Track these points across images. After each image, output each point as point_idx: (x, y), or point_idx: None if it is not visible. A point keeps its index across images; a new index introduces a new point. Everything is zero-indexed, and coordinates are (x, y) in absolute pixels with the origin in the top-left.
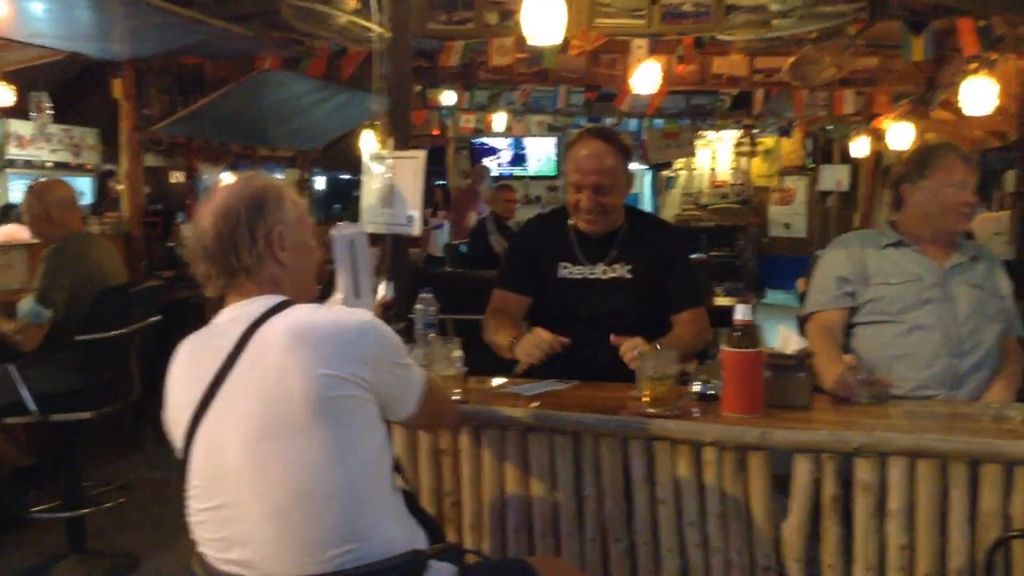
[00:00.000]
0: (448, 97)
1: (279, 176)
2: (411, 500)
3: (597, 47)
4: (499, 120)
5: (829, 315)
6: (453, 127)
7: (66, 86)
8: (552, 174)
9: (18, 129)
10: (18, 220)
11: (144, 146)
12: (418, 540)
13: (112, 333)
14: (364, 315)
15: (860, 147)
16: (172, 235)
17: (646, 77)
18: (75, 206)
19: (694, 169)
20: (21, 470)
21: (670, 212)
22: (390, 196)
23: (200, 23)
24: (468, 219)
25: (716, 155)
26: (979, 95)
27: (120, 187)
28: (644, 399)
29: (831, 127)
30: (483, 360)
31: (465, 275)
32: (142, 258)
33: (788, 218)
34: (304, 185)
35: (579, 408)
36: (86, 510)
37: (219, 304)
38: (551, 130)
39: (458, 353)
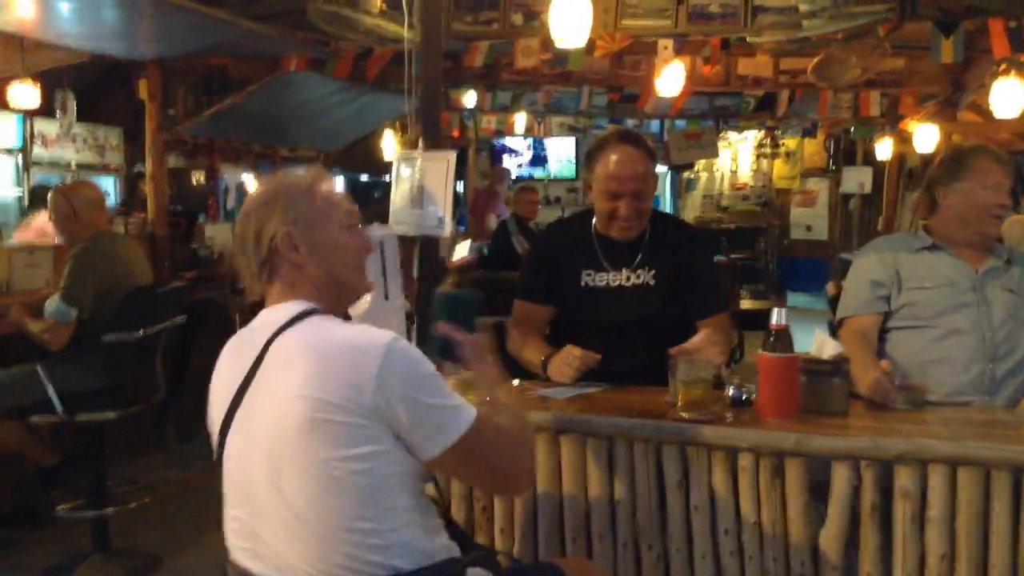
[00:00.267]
0: (470, 98)
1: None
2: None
3: (622, 48)
4: (520, 121)
5: (862, 320)
6: (474, 128)
7: (91, 86)
8: (572, 176)
9: (43, 129)
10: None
11: (167, 146)
12: (453, 550)
13: (139, 334)
14: (382, 337)
15: (884, 149)
16: (195, 236)
17: (671, 78)
18: (102, 206)
19: (715, 171)
20: (46, 469)
21: (690, 214)
22: (420, 197)
23: (226, 23)
24: (488, 221)
25: (737, 157)
26: (1009, 97)
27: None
28: (678, 403)
29: (853, 129)
30: (510, 361)
31: (490, 277)
32: (166, 259)
33: (810, 220)
34: None
35: (611, 411)
36: (110, 509)
37: (243, 305)
38: (572, 131)
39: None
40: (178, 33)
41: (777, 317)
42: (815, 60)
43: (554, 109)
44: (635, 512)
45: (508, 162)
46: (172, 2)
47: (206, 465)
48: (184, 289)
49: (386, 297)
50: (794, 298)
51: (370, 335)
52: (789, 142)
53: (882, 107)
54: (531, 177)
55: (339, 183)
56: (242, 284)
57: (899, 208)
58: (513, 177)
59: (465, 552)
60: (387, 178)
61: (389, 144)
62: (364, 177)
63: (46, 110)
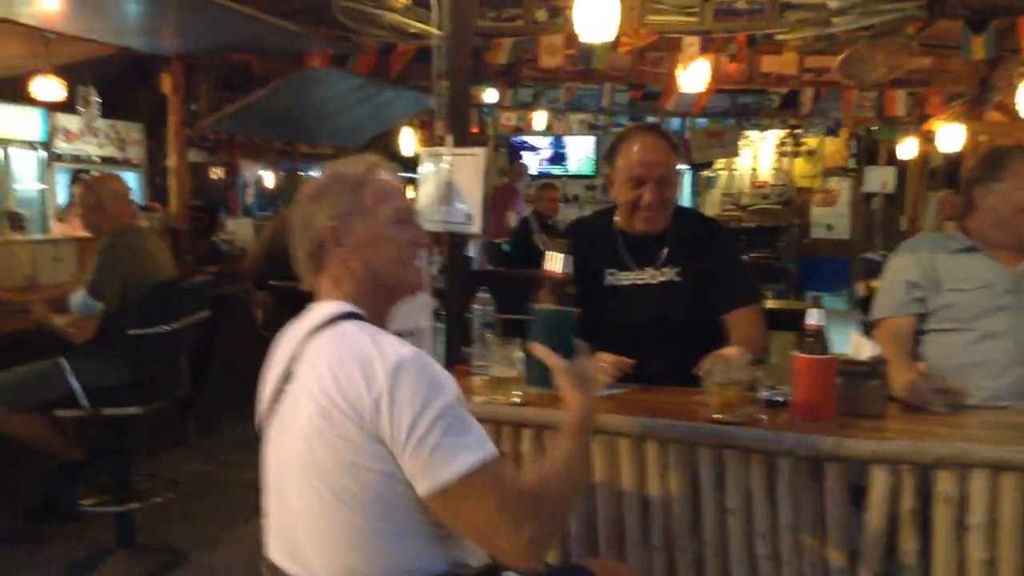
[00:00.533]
0: (490, 95)
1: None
2: None
3: (646, 45)
4: (539, 118)
5: (898, 321)
6: (493, 125)
7: (112, 81)
8: (591, 173)
9: (66, 123)
10: None
11: (188, 142)
12: (480, 555)
13: (163, 328)
14: (396, 356)
15: (908, 149)
16: (216, 230)
17: (696, 76)
18: (128, 200)
19: (735, 169)
20: (70, 463)
21: (710, 212)
22: (448, 194)
23: (250, 18)
24: (507, 218)
25: (758, 155)
26: None
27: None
28: (711, 405)
29: (876, 128)
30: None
31: (513, 274)
32: (187, 253)
33: (831, 219)
34: None
35: (642, 412)
36: (134, 504)
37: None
38: (591, 129)
39: (518, 354)
40: (202, 28)
41: (813, 317)
42: (841, 57)
43: (575, 106)
44: (669, 515)
45: (529, 159)
46: None
47: (229, 460)
48: (209, 283)
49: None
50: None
51: (386, 352)
52: (810, 141)
53: (908, 106)
54: (550, 174)
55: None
56: (296, 272)
57: (923, 208)
58: (532, 174)
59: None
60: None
61: (408, 141)
62: None
63: (69, 105)
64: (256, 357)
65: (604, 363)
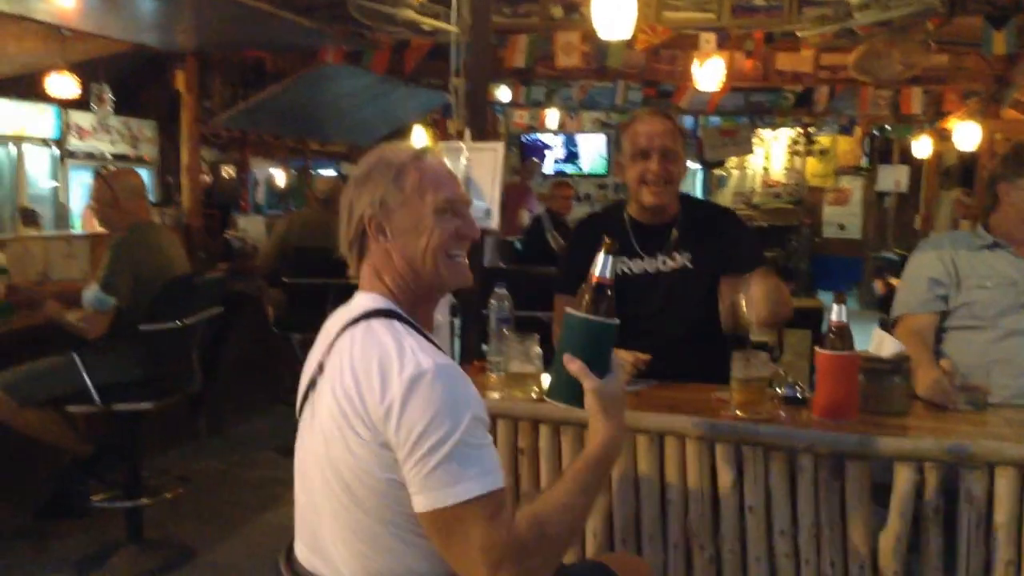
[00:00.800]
0: (504, 93)
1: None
2: None
3: (662, 42)
4: (552, 117)
5: (920, 318)
6: (505, 123)
7: (126, 79)
8: (603, 172)
9: (79, 120)
10: None
11: (203, 139)
12: None
13: (176, 324)
14: (415, 367)
15: (922, 147)
16: (229, 227)
17: (711, 73)
18: (144, 195)
19: (747, 168)
20: (81, 459)
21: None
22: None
23: (264, 15)
24: (520, 216)
25: (770, 154)
26: None
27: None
28: (732, 402)
29: (890, 127)
30: (550, 357)
31: (526, 272)
32: (200, 250)
33: (843, 219)
34: None
35: (661, 408)
36: (144, 500)
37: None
38: (604, 127)
39: (536, 350)
40: (217, 25)
41: (837, 314)
42: (857, 52)
43: (588, 105)
44: (687, 512)
45: (551, 155)
46: None
47: (239, 457)
48: (221, 280)
49: None
50: (825, 297)
51: (407, 360)
52: (823, 140)
53: (924, 104)
54: (563, 173)
55: None
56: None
57: (937, 207)
58: (545, 172)
59: None
60: None
61: (420, 140)
62: None
63: (83, 102)
64: (267, 354)
65: (624, 360)
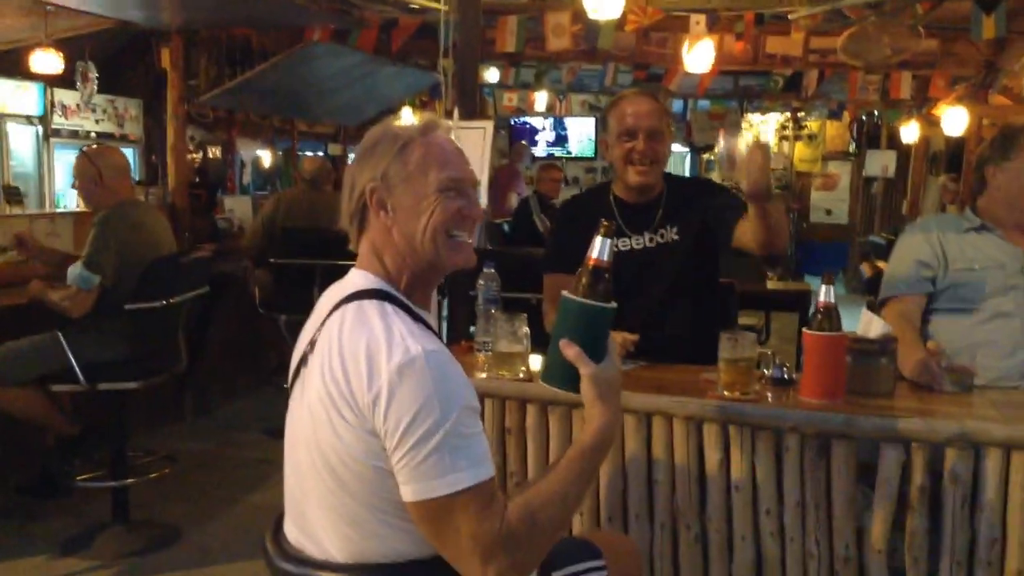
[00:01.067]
0: (492, 74)
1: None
2: None
3: (653, 23)
4: (541, 99)
5: (907, 300)
6: (495, 106)
7: (111, 58)
8: (591, 155)
9: (64, 99)
10: None
11: (189, 118)
12: None
13: (161, 303)
14: (404, 354)
15: (910, 132)
16: (216, 208)
17: (701, 55)
18: (128, 173)
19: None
20: (66, 438)
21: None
22: None
23: None
24: (509, 199)
25: (758, 139)
26: None
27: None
28: (719, 382)
29: (877, 113)
30: (541, 338)
31: (513, 253)
32: (185, 230)
33: (830, 204)
34: (345, 160)
35: (649, 389)
36: (130, 480)
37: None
38: (592, 111)
39: (525, 329)
40: (202, 2)
41: (825, 294)
42: (847, 33)
43: (577, 87)
44: (673, 491)
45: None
46: None
47: (225, 437)
48: (207, 260)
49: None
50: (812, 282)
51: (395, 347)
52: (812, 124)
53: (913, 89)
54: (551, 156)
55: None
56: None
57: (924, 192)
58: (534, 155)
59: None
60: None
61: (408, 121)
62: None
63: (67, 80)
64: (254, 335)
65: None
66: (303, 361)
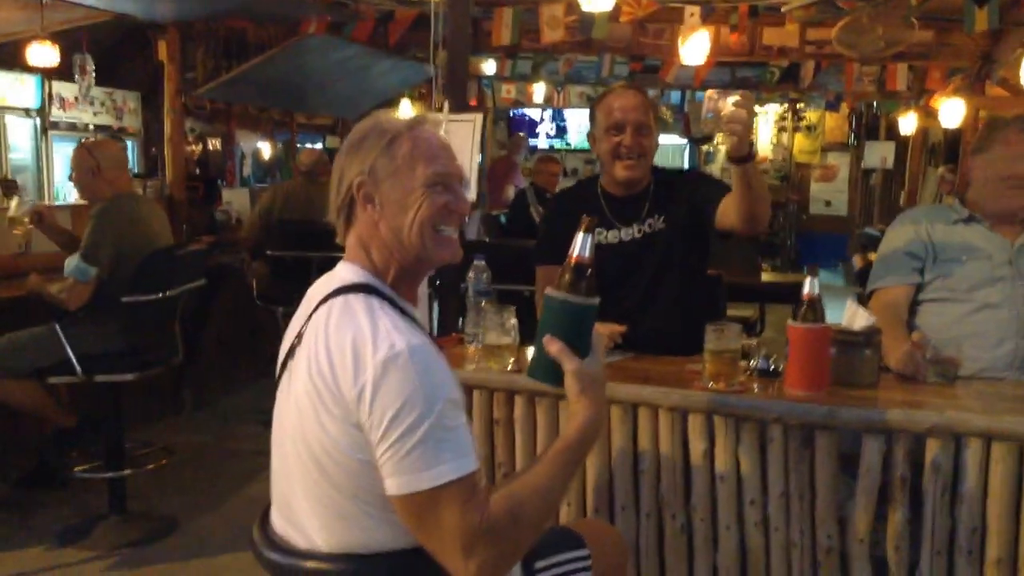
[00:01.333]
0: (489, 66)
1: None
2: None
3: (647, 14)
4: (539, 91)
5: (894, 291)
6: (493, 97)
7: (109, 50)
8: (590, 147)
9: (61, 91)
10: None
11: (185, 111)
12: None
13: (157, 296)
14: (389, 349)
15: (908, 123)
16: (215, 201)
17: (696, 47)
18: (125, 166)
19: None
20: (64, 430)
21: (720, 178)
22: None
23: None
24: (506, 191)
25: (757, 130)
26: None
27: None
28: (705, 373)
29: (876, 104)
30: (532, 330)
31: (507, 245)
32: (184, 222)
33: (830, 195)
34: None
35: (636, 380)
36: (127, 471)
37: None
38: (590, 101)
39: (513, 321)
40: None
41: (809, 287)
42: (840, 24)
43: (574, 79)
44: (659, 482)
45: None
46: None
47: (222, 429)
48: (204, 252)
49: None
50: None
51: (380, 341)
52: (811, 115)
53: (909, 80)
54: (552, 148)
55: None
56: (329, 219)
57: (923, 183)
58: (535, 147)
59: None
60: None
61: (406, 113)
62: None
63: (65, 72)
64: (252, 327)
65: (597, 334)
66: (290, 353)
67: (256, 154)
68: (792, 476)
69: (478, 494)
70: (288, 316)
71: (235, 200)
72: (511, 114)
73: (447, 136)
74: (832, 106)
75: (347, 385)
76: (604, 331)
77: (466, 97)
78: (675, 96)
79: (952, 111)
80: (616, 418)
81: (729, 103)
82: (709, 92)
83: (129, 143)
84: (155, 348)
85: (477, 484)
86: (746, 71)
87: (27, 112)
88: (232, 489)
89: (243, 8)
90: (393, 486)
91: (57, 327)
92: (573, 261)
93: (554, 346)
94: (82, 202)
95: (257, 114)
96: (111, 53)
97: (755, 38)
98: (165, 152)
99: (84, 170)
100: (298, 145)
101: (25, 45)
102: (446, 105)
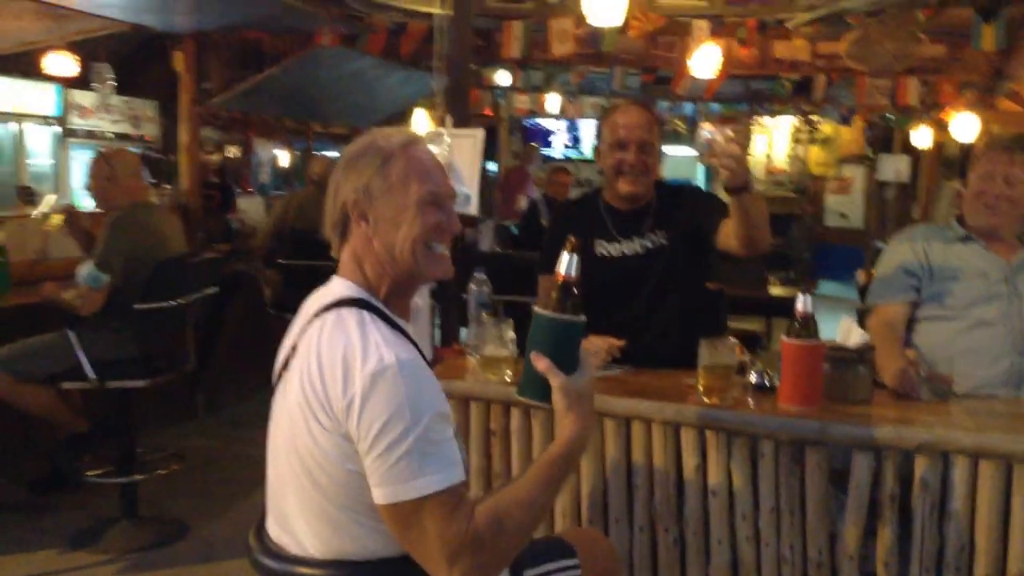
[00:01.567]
0: (503, 77)
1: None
2: None
3: (656, 29)
4: (552, 101)
5: (892, 308)
6: (507, 107)
7: (127, 59)
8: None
9: (80, 100)
10: None
11: (202, 119)
12: None
13: (169, 303)
14: (377, 362)
15: (922, 137)
16: (230, 208)
17: (705, 60)
18: (140, 175)
19: (749, 155)
20: (76, 434)
21: (725, 198)
22: (448, 174)
23: None
24: (518, 201)
25: (772, 142)
26: None
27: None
28: (700, 388)
29: (891, 116)
30: None
31: (513, 256)
32: (198, 230)
33: (845, 208)
34: None
35: (631, 394)
36: (139, 476)
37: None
38: (604, 112)
39: (510, 335)
40: (214, 6)
41: (802, 304)
42: (850, 38)
43: (586, 90)
44: (652, 495)
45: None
46: None
47: (234, 435)
48: (216, 261)
49: None
50: (825, 286)
51: (370, 355)
52: (826, 128)
53: (921, 94)
54: (567, 158)
55: None
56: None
57: (937, 197)
58: (549, 156)
59: None
60: None
61: (421, 122)
62: None
63: (84, 81)
64: (264, 335)
65: (596, 347)
66: (285, 365)
67: (273, 161)
68: (783, 491)
69: (463, 505)
70: None
71: (250, 208)
72: (526, 124)
73: (450, 150)
74: (845, 119)
75: (337, 397)
76: (603, 344)
77: (468, 112)
78: (688, 108)
79: (965, 125)
80: (610, 431)
81: (723, 138)
82: (704, 124)
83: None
84: (167, 355)
85: (463, 495)
86: (759, 83)
87: (47, 120)
88: (242, 494)
89: (258, 20)
90: (380, 496)
91: (70, 333)
92: (560, 280)
93: (541, 363)
94: (99, 210)
95: (273, 122)
96: (129, 62)
97: (766, 51)
98: (180, 161)
99: (101, 178)
100: (314, 152)
101: (43, 55)
102: (448, 120)
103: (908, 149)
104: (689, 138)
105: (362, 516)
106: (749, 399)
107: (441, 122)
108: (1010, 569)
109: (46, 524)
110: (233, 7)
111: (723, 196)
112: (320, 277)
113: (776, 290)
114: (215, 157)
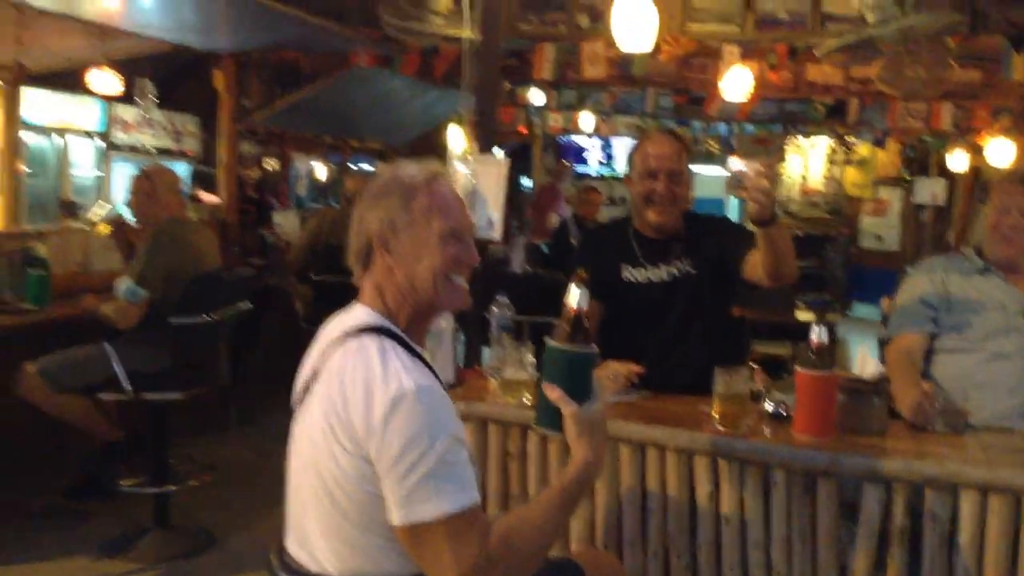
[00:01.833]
0: (536, 96)
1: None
2: None
3: (687, 52)
4: (586, 120)
5: (910, 339)
6: (541, 125)
7: (169, 75)
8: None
9: (123, 114)
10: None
11: (241, 135)
12: None
13: (204, 318)
14: (398, 389)
15: (958, 161)
16: (266, 223)
17: (736, 83)
18: (180, 192)
19: (784, 176)
20: (111, 444)
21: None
22: (472, 199)
23: (298, 19)
24: (549, 219)
25: (808, 163)
26: None
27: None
28: (715, 416)
29: (928, 139)
30: None
31: (543, 276)
32: (235, 245)
33: (881, 230)
34: None
35: (647, 420)
36: (171, 487)
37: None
38: (638, 132)
39: (530, 358)
40: (253, 27)
41: (817, 335)
42: (881, 63)
43: (620, 109)
44: (666, 520)
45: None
46: None
47: (266, 449)
48: (251, 276)
49: None
50: (860, 308)
51: (390, 381)
52: (862, 149)
53: (956, 119)
54: (601, 176)
55: None
56: (342, 265)
57: (972, 222)
58: (584, 173)
59: None
60: None
61: (455, 135)
62: None
63: (127, 96)
64: (297, 349)
65: (616, 372)
66: (306, 389)
67: (311, 175)
68: (795, 521)
69: (477, 526)
70: None
71: (285, 221)
72: (560, 141)
73: (474, 178)
74: (879, 142)
75: (359, 421)
76: (621, 370)
77: (493, 138)
78: (722, 128)
79: (1000, 150)
80: (626, 457)
81: (752, 171)
82: (734, 156)
83: (187, 165)
84: (201, 368)
85: (477, 516)
86: (793, 106)
87: (90, 134)
88: (270, 507)
89: (296, 41)
90: (397, 517)
91: (108, 346)
92: (571, 313)
93: (554, 392)
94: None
95: (311, 137)
96: (170, 79)
97: (799, 75)
98: (219, 177)
99: (141, 194)
100: (351, 166)
101: (88, 70)
102: (474, 147)
103: (944, 172)
104: (722, 159)
105: (380, 536)
106: (764, 427)
107: (469, 151)
108: None
109: (80, 531)
110: (272, 28)
111: (750, 227)
112: (352, 293)
113: (803, 315)
114: (254, 172)
